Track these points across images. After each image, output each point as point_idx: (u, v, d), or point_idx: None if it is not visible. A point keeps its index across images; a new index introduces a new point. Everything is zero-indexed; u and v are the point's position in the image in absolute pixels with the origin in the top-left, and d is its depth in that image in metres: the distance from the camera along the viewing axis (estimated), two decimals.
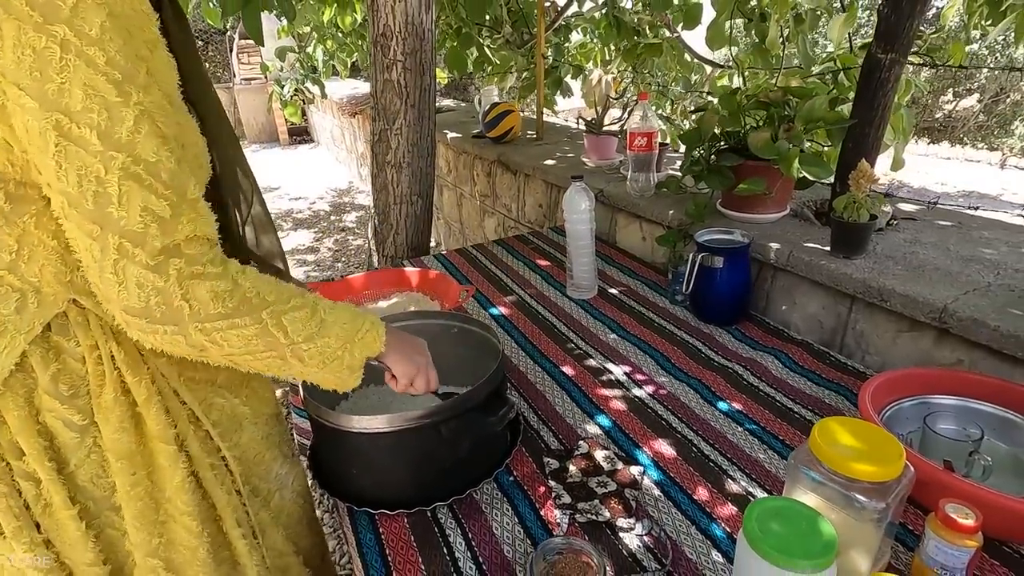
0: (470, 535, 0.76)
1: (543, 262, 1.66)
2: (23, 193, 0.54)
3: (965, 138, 11.49)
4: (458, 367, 0.95)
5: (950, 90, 11.00)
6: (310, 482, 0.87)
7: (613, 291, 1.45)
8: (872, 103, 1.24)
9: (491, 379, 0.79)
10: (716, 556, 0.72)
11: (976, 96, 11.15)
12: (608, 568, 0.57)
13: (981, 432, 0.77)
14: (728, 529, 0.76)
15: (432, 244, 2.27)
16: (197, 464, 0.65)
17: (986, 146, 10.95)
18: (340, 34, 4.22)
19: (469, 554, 0.74)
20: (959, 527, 0.60)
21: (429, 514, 0.79)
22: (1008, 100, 11.00)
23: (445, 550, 0.74)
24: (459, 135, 2.85)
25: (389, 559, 0.74)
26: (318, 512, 0.95)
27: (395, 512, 0.78)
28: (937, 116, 11.55)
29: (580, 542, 0.61)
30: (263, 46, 2.12)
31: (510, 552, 0.74)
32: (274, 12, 2.04)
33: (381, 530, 0.78)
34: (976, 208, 1.42)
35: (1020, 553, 0.70)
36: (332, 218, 4.62)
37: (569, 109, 5.51)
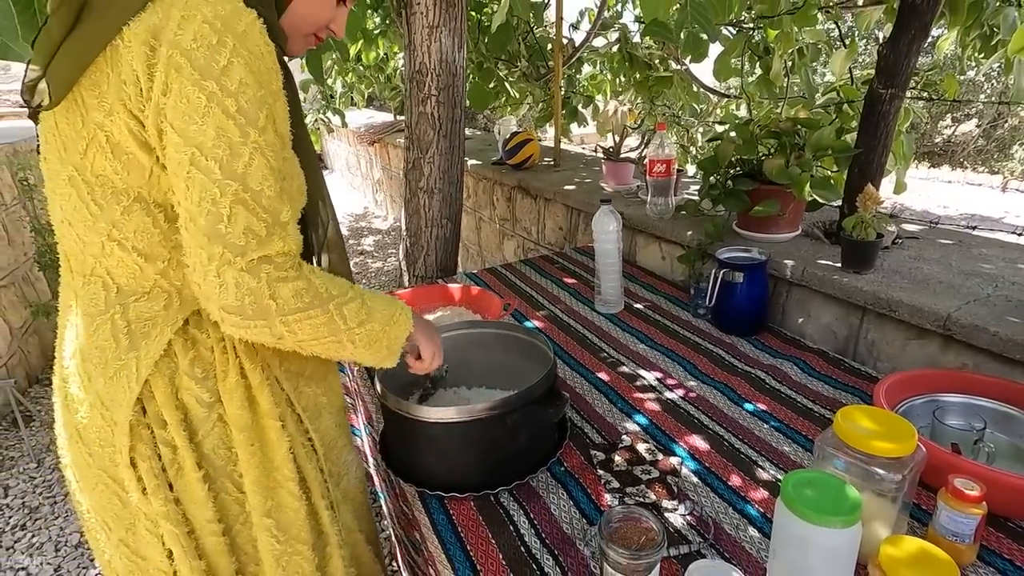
0: (531, 515, 0.86)
1: (569, 280, 1.77)
2: (174, 219, 0.65)
3: (965, 162, 11.67)
4: (509, 371, 1.06)
5: (949, 115, 11.22)
6: (373, 469, 0.97)
7: (638, 306, 1.56)
8: (875, 133, 1.36)
9: (547, 377, 0.90)
10: (752, 532, 0.81)
11: (975, 121, 11.36)
12: (664, 535, 0.67)
13: (984, 424, 0.87)
14: (761, 510, 0.85)
15: None
16: (293, 442, 0.76)
17: (987, 170, 11.11)
18: (361, 67, 4.43)
19: (532, 531, 0.83)
20: (966, 497, 0.70)
21: (493, 498, 0.89)
22: (1006, 125, 11.19)
23: (511, 528, 0.84)
24: (479, 162, 3.00)
25: (462, 535, 0.83)
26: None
27: (464, 495, 0.88)
28: (937, 141, 11.75)
29: (639, 510, 0.70)
30: (323, 86, 2.27)
31: (568, 529, 0.83)
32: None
33: (451, 511, 0.87)
34: (974, 228, 1.52)
35: (1019, 528, 0.79)
36: (351, 242, 4.75)
37: (577, 135, 5.69)
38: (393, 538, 1.26)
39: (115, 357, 0.66)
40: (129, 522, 0.71)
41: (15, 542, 1.77)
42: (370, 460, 1.18)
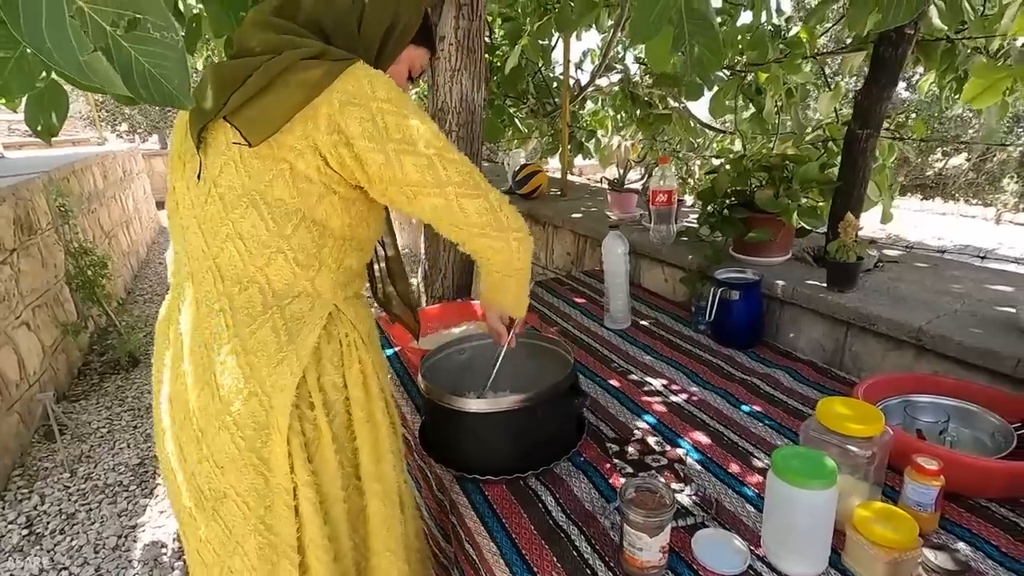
0: (557, 495, 0.99)
1: (580, 300, 1.92)
2: (326, 234, 0.82)
3: (957, 194, 11.95)
4: (532, 374, 1.19)
5: (939, 150, 11.55)
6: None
7: (644, 322, 1.70)
8: (854, 168, 1.53)
9: (570, 375, 1.04)
10: (749, 508, 0.94)
11: (965, 155, 11.68)
12: (674, 499, 0.80)
13: (948, 417, 1.01)
14: (757, 491, 0.98)
15: None
16: (388, 421, 0.91)
17: (981, 202, 11.39)
18: None
19: (559, 508, 0.96)
20: (926, 471, 0.83)
21: (522, 481, 1.02)
22: (995, 159, 11.52)
23: (540, 506, 0.97)
24: None
25: (497, 512, 0.96)
26: None
27: (497, 479, 1.01)
28: (928, 174, 12.07)
29: (653, 482, 0.83)
30: None
31: (590, 506, 0.96)
32: None
33: (487, 493, 1.00)
34: (944, 252, 1.68)
35: (979, 504, 0.92)
36: None
37: (577, 166, 5.92)
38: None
39: (277, 349, 0.80)
40: (269, 501, 0.81)
41: (55, 545, 1.87)
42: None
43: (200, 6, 1.63)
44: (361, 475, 0.88)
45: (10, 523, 1.97)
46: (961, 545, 0.84)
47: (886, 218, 2.89)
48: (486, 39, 3.25)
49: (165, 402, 0.87)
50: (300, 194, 0.79)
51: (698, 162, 3.89)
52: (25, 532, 1.93)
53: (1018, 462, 0.89)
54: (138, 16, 0.58)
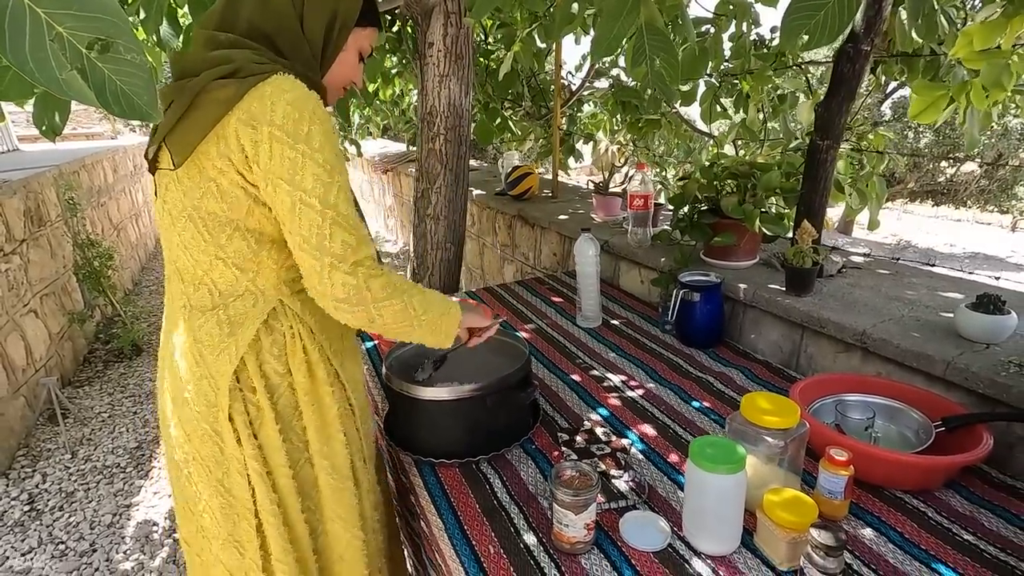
0: (505, 479, 1.06)
1: (557, 299, 1.99)
2: (263, 239, 0.90)
3: (968, 201, 11.86)
4: (494, 368, 1.27)
5: (951, 156, 11.47)
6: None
7: (615, 322, 1.77)
8: (816, 177, 1.59)
9: (522, 367, 1.11)
10: (680, 495, 1.01)
11: (976, 162, 11.58)
12: (599, 480, 0.87)
13: (874, 414, 1.07)
14: None
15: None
16: (340, 404, 0.99)
17: (996, 209, 11.29)
18: (378, 101, 4.76)
19: (504, 490, 1.04)
20: (837, 462, 0.90)
21: (474, 465, 1.10)
22: (1008, 166, 11.41)
23: (487, 487, 1.04)
24: (483, 192, 3.26)
25: (447, 492, 1.04)
26: None
27: (451, 462, 1.09)
28: (940, 180, 11.99)
29: (582, 465, 0.90)
30: (351, 126, 2.54)
31: (533, 489, 1.04)
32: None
33: (440, 475, 1.08)
34: (897, 259, 1.74)
35: (894, 495, 0.99)
36: None
37: (580, 167, 5.98)
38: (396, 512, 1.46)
39: (220, 341, 0.90)
40: (225, 467, 0.93)
41: (54, 520, 1.97)
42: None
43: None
44: (311, 451, 0.96)
45: (13, 500, 2.08)
46: (868, 531, 0.91)
47: (873, 225, 2.93)
48: (481, 44, 3.34)
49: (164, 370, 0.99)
50: (230, 207, 0.86)
51: (684, 168, 3.95)
52: (27, 508, 2.04)
53: (923, 456, 0.95)
54: (111, 40, 0.66)
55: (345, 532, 1.00)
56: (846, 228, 8.88)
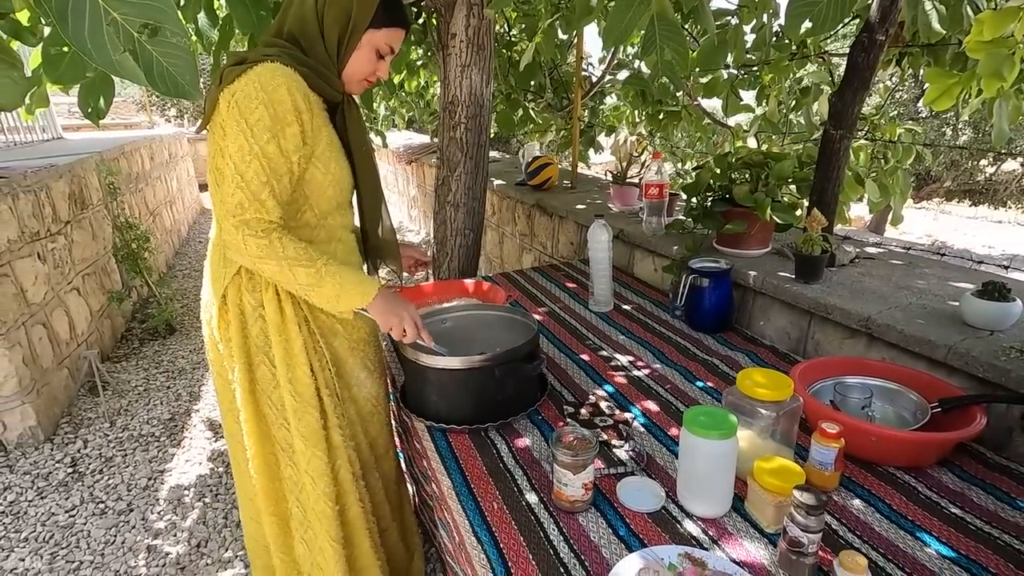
0: (511, 444, 1.13)
1: (571, 284, 2.04)
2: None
3: (1009, 201, 11.45)
4: (505, 343, 1.33)
5: (991, 154, 11.07)
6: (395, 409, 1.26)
7: (626, 307, 1.82)
8: (829, 167, 1.60)
9: (530, 340, 1.17)
10: (677, 464, 1.06)
11: (1020, 160, 11.16)
12: (597, 443, 0.93)
13: (871, 393, 1.10)
14: None
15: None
16: (307, 342, 1.14)
17: None
18: (403, 93, 4.85)
19: (511, 455, 1.10)
20: (827, 435, 0.93)
21: (483, 432, 1.16)
22: None
23: (494, 451, 1.11)
24: (504, 182, 3.32)
25: (457, 455, 1.10)
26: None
27: (461, 428, 1.15)
28: (979, 179, 11.58)
29: (582, 429, 0.96)
30: (370, 111, 2.61)
31: (537, 454, 1.10)
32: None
33: (451, 441, 1.15)
34: (909, 248, 1.74)
35: (887, 470, 1.02)
36: None
37: (603, 163, 5.99)
38: (409, 480, 1.54)
39: (217, 270, 1.14)
40: (225, 366, 1.18)
41: (95, 482, 2.11)
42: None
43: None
44: (278, 377, 1.14)
45: (57, 462, 2.23)
46: (856, 501, 0.94)
47: (896, 220, 2.90)
48: (504, 35, 3.38)
49: None
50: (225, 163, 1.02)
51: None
52: (70, 470, 2.18)
53: (911, 432, 0.98)
54: (159, 25, 0.74)
55: (307, 449, 1.15)
56: (878, 227, 8.68)
